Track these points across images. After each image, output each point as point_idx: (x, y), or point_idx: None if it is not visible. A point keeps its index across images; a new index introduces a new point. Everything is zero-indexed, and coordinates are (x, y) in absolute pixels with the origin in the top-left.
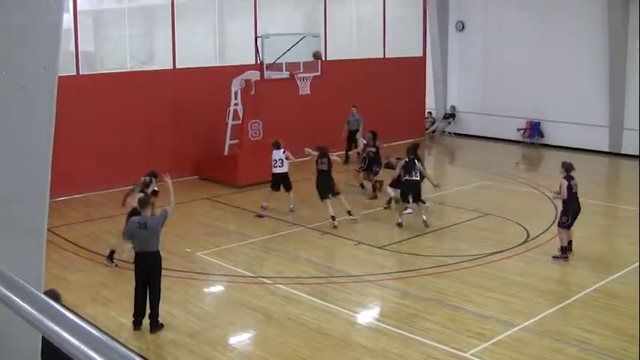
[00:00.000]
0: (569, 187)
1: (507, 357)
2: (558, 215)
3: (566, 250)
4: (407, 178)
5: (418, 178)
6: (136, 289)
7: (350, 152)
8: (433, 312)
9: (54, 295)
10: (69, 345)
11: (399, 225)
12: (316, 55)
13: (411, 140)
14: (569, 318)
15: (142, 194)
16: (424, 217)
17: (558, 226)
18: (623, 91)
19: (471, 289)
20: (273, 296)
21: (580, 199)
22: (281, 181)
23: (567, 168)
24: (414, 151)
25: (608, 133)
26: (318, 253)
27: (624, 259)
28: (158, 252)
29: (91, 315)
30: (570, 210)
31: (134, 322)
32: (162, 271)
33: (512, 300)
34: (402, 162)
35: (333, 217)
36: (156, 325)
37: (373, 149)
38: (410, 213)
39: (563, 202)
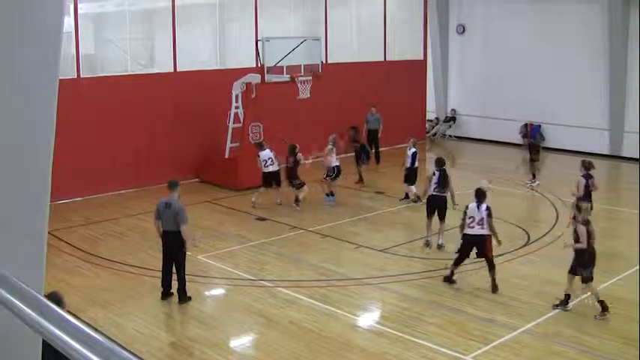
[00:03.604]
0: (586, 186)
1: None
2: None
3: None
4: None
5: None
6: (162, 263)
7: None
8: (434, 315)
9: (56, 298)
10: (69, 348)
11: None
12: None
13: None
14: (569, 321)
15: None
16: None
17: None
18: (624, 94)
19: (472, 292)
20: (274, 299)
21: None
22: (272, 179)
23: (587, 166)
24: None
25: (609, 136)
26: (318, 256)
27: (625, 262)
28: (179, 233)
29: (92, 318)
30: None
31: (162, 293)
32: None
33: (513, 303)
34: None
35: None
36: (183, 298)
37: (357, 144)
38: None
39: (577, 199)
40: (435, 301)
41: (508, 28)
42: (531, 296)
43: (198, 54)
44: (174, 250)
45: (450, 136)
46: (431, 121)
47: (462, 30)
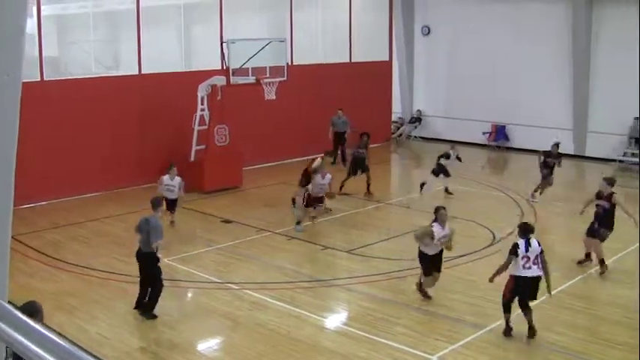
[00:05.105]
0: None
1: (475, 359)
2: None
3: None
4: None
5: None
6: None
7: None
8: (401, 315)
9: (34, 308)
10: (33, 355)
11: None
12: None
13: (380, 144)
14: (537, 319)
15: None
16: None
17: (600, 239)
18: (587, 95)
19: (439, 292)
20: (241, 302)
21: (547, 203)
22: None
23: (613, 183)
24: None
25: (572, 136)
26: (285, 258)
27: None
28: (150, 254)
29: (57, 323)
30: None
31: (135, 302)
32: None
33: (480, 302)
34: None
35: None
36: (147, 312)
37: (364, 151)
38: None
39: (609, 215)
40: (402, 301)
41: (473, 29)
42: (498, 295)
43: (164, 56)
44: (147, 270)
45: (415, 137)
46: (396, 122)
47: (427, 31)
